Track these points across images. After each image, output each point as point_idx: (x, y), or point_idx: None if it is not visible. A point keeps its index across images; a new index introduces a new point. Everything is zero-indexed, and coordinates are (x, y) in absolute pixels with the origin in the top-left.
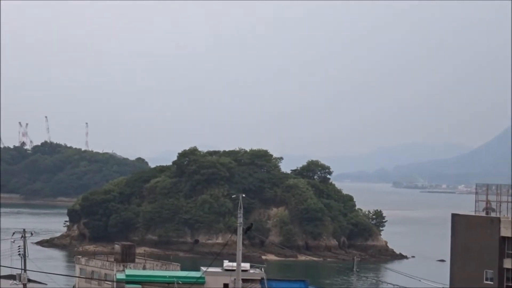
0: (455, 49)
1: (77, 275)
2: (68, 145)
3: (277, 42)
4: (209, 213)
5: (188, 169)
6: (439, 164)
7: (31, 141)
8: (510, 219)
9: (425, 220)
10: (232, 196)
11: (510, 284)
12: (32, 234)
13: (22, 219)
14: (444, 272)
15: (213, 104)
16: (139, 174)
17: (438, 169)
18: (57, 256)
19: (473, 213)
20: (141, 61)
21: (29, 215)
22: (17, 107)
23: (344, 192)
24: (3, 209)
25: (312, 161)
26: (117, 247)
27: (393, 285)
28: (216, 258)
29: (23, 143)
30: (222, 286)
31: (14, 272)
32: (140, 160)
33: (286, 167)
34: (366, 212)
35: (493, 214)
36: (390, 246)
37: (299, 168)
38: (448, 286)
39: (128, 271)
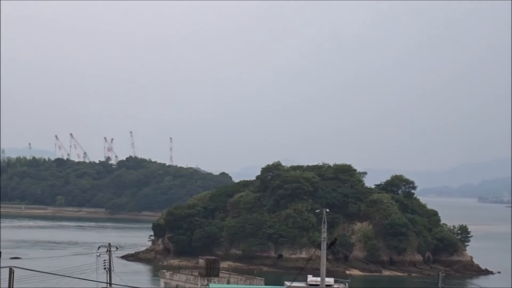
0: None
1: None
2: (153, 159)
3: (356, 55)
4: (292, 227)
5: (272, 184)
6: None
7: (116, 156)
8: None
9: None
10: (316, 211)
11: None
12: (117, 248)
13: (107, 233)
14: None
15: (295, 118)
16: (223, 189)
17: None
18: (142, 270)
19: None
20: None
21: (114, 229)
22: (102, 122)
23: (429, 207)
24: (89, 223)
25: (396, 175)
26: (201, 261)
27: None
28: (300, 273)
29: (109, 158)
30: None
31: (100, 285)
32: (224, 174)
33: (370, 182)
34: (451, 227)
35: None
36: (476, 261)
37: (383, 183)
38: None
39: (212, 286)
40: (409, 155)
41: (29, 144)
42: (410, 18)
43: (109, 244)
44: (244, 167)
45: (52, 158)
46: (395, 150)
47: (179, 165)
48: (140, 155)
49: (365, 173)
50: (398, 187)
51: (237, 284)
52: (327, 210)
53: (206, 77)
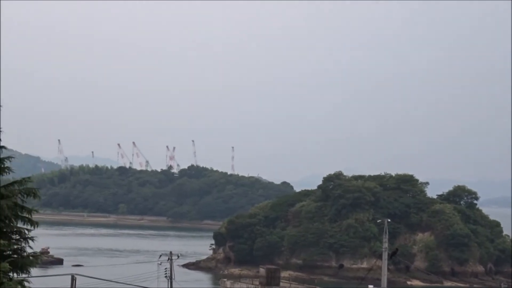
0: None
1: None
2: (214, 168)
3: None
4: (354, 237)
5: (333, 193)
6: None
7: (178, 165)
8: None
9: None
10: (377, 221)
11: None
12: (178, 256)
13: (169, 241)
14: None
15: (355, 127)
16: (284, 198)
17: None
18: (202, 278)
19: None
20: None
21: (175, 237)
22: (164, 131)
23: (491, 217)
24: (150, 232)
25: (458, 186)
26: (262, 270)
27: None
28: (361, 283)
29: (171, 167)
30: None
31: None
32: (285, 184)
33: (431, 192)
34: None
35: None
36: None
37: (445, 193)
38: None
39: None
40: (470, 165)
41: (92, 152)
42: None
43: (171, 252)
44: (305, 177)
45: (115, 166)
46: (456, 160)
47: (240, 174)
48: (202, 164)
49: (427, 183)
50: (460, 198)
51: None
52: (389, 220)
53: (270, 81)
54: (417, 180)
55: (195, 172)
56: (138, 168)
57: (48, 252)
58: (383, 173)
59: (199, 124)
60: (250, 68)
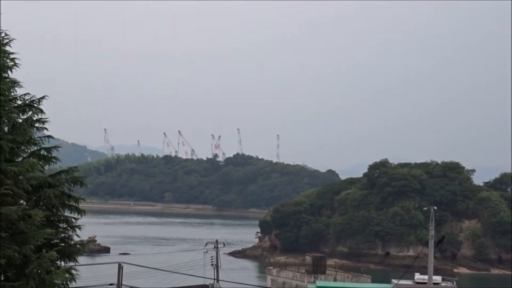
0: None
1: (269, 286)
2: (260, 157)
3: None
4: (400, 225)
5: (379, 181)
6: None
7: (223, 153)
8: None
9: None
10: (424, 209)
11: None
12: (224, 245)
13: (215, 230)
14: None
15: (402, 115)
16: (330, 186)
17: None
18: (248, 266)
19: None
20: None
21: (221, 226)
22: (210, 120)
23: None
24: (196, 220)
25: (505, 173)
26: (308, 258)
27: None
28: (407, 271)
29: (216, 155)
30: None
31: (207, 282)
32: (330, 172)
33: (478, 180)
34: None
35: None
36: None
37: (491, 181)
38: None
39: (319, 283)
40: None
41: (138, 141)
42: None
43: (216, 240)
44: (351, 165)
45: (161, 155)
46: (502, 148)
47: (286, 162)
48: (247, 152)
49: (473, 170)
50: (507, 185)
51: (344, 281)
52: (435, 207)
53: (310, 73)
54: (463, 168)
55: (240, 160)
56: (184, 157)
57: (95, 241)
58: (429, 161)
59: (244, 112)
60: (301, 60)
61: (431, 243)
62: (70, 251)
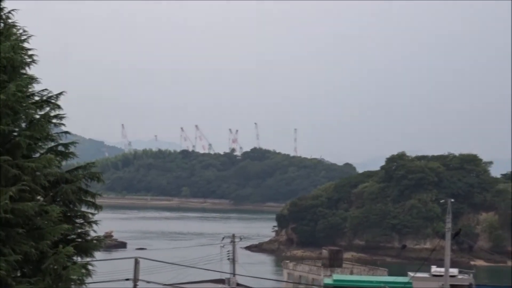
0: None
1: (285, 279)
2: (277, 151)
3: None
4: (417, 218)
5: (396, 174)
6: None
7: (240, 147)
8: None
9: None
10: (441, 201)
11: None
12: (241, 239)
13: (232, 224)
14: None
15: (417, 108)
16: (347, 180)
17: None
18: (265, 260)
19: None
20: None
21: (238, 220)
22: (228, 114)
23: None
24: (213, 214)
25: None
26: (324, 252)
27: None
28: (424, 264)
29: (233, 150)
30: None
31: (224, 276)
32: (347, 165)
33: (495, 172)
34: None
35: None
36: None
37: (509, 173)
38: None
39: (336, 276)
40: None
41: (155, 136)
42: None
43: (233, 234)
44: (368, 158)
45: (178, 150)
46: None
47: (303, 156)
48: (265, 146)
49: (491, 162)
50: None
51: (361, 274)
52: (452, 200)
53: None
54: (480, 160)
55: (257, 154)
56: (201, 151)
57: (112, 236)
58: (446, 153)
59: (261, 106)
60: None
61: (448, 235)
62: (87, 247)
